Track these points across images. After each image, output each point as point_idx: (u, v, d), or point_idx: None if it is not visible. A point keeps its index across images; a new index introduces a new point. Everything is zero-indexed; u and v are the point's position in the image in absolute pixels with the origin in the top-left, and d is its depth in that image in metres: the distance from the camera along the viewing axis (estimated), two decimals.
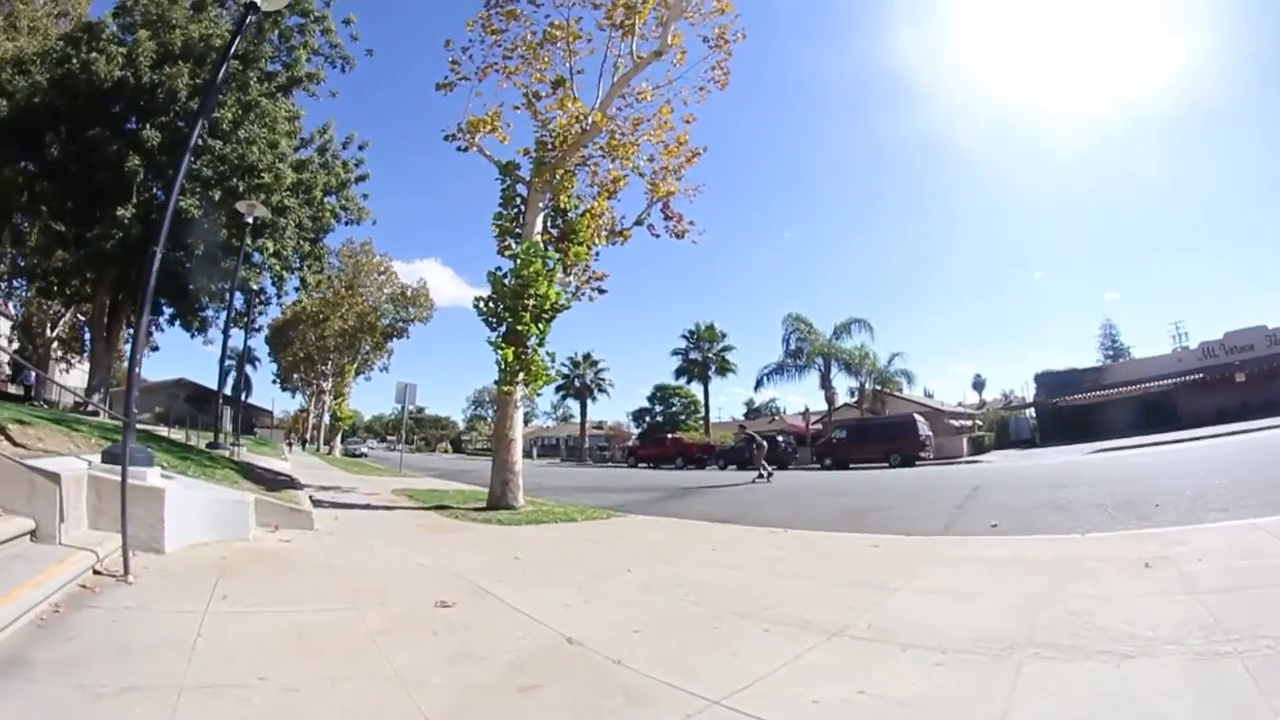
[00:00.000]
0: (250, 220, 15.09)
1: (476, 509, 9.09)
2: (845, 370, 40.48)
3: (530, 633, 3.52)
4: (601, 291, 10.84)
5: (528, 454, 60.57)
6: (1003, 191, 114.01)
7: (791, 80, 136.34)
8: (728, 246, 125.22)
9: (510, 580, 4.80)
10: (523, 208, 10.06)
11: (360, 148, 21.13)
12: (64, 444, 6.03)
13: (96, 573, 4.23)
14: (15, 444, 5.56)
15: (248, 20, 7.02)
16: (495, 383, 9.35)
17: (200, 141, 16.60)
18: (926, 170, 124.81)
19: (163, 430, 16.84)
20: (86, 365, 24.89)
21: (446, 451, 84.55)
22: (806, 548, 6.06)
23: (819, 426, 40.73)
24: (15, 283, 26.26)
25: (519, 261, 9.00)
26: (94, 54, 15.91)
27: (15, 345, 30.28)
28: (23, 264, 21.46)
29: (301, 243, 19.42)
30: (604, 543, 6.72)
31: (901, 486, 13.99)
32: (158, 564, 4.68)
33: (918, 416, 29.91)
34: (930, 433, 29.12)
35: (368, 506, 9.73)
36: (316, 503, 9.03)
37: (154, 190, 16.20)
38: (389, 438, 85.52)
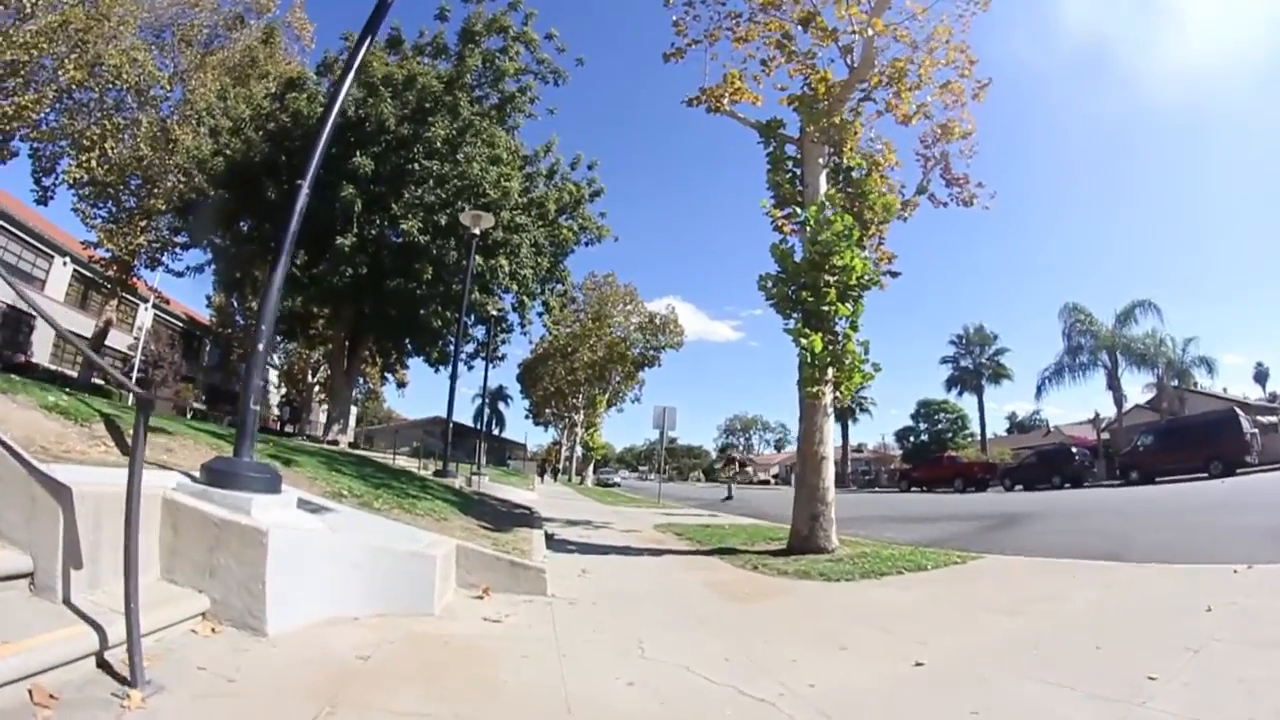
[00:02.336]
0: (476, 232, 14.03)
1: (774, 552, 6.82)
2: (1134, 365, 33.28)
3: None
4: (894, 275, 8.67)
5: (784, 480, 56.85)
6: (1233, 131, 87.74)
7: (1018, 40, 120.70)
8: (971, 239, 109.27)
9: None
10: (797, 170, 8.34)
11: (590, 167, 20.23)
12: (202, 457, 4.31)
13: (102, 666, 2.12)
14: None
15: None
16: (798, 384, 7.02)
17: (416, 166, 16.56)
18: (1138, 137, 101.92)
19: (387, 458, 16.60)
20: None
21: (699, 480, 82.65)
22: None
23: (1106, 435, 33.50)
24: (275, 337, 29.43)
25: (812, 226, 7.01)
26: (297, 95, 16.59)
27: (283, 390, 34.49)
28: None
29: (540, 261, 18.65)
30: (1020, 613, 3.98)
31: (1275, 497, 11.14)
32: (233, 661, 2.46)
33: (1239, 411, 23.38)
34: (1256, 431, 22.19)
35: (626, 550, 7.52)
36: (559, 543, 7.11)
37: (373, 219, 16.31)
38: (640, 468, 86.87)
